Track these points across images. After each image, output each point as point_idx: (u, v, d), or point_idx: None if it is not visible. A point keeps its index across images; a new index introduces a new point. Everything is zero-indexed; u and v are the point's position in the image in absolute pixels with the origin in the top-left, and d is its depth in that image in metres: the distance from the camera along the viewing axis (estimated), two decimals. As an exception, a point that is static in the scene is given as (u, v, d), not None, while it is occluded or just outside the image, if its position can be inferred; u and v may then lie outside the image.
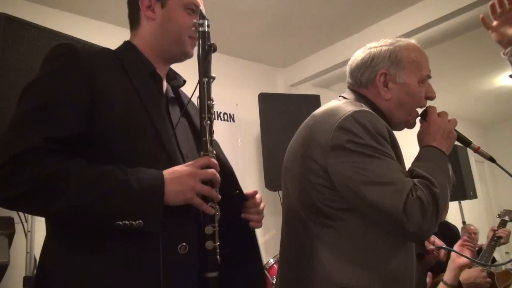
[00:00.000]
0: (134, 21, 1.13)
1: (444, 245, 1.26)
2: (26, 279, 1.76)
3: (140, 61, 1.07)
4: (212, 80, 1.01)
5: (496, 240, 2.37)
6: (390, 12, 3.30)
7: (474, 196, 5.02)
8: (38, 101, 0.90)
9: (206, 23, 1.01)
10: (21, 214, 1.78)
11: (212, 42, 1.01)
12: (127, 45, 1.11)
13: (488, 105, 5.93)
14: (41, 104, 0.89)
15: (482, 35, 3.46)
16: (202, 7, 1.11)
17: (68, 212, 0.85)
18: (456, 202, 4.91)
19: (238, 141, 3.55)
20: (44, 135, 0.86)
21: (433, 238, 1.29)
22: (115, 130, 0.93)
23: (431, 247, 1.25)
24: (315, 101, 3.49)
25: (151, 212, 0.87)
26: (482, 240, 2.75)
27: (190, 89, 1.10)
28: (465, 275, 2.09)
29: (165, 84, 1.15)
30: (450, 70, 4.62)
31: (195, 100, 1.10)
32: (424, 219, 0.97)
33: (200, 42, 1.01)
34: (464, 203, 4.98)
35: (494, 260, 2.29)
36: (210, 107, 0.99)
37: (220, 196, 0.97)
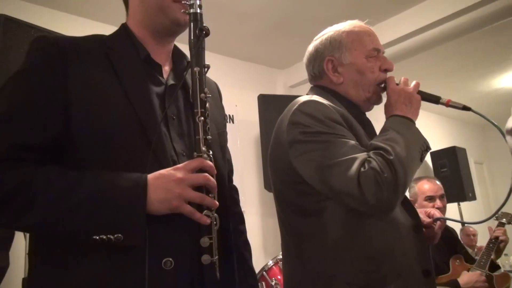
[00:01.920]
0: (125, 3, 1.05)
1: (441, 216, 1.24)
2: (25, 281, 1.76)
3: (132, 46, 0.97)
4: (206, 69, 0.90)
5: (494, 242, 2.37)
6: (389, 14, 3.31)
7: (473, 197, 5.03)
8: (5, 105, 0.83)
9: (197, 3, 0.90)
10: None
11: (204, 25, 0.90)
12: (121, 28, 1.02)
13: (486, 107, 5.93)
14: (8, 109, 0.82)
15: (480, 37, 3.52)
16: None
17: (37, 228, 0.80)
18: (455, 204, 4.93)
19: (238, 142, 3.55)
20: (9, 142, 0.79)
21: (433, 211, 1.26)
22: (91, 131, 0.83)
23: (428, 220, 1.22)
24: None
25: (132, 225, 0.78)
26: (482, 242, 2.75)
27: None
28: (464, 280, 2.10)
29: (167, 69, 1.02)
30: (449, 72, 4.63)
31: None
32: (379, 188, 0.96)
33: (192, 25, 0.90)
34: (463, 204, 5.00)
35: (492, 262, 2.28)
36: (204, 101, 0.87)
37: (217, 203, 0.85)
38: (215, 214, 0.85)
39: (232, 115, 3.60)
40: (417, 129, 1.13)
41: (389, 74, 1.26)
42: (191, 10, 0.90)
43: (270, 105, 3.41)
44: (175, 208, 0.81)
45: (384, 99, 1.26)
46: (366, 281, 1.03)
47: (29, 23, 1.79)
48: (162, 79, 0.98)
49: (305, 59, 1.33)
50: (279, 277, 2.23)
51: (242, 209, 1.21)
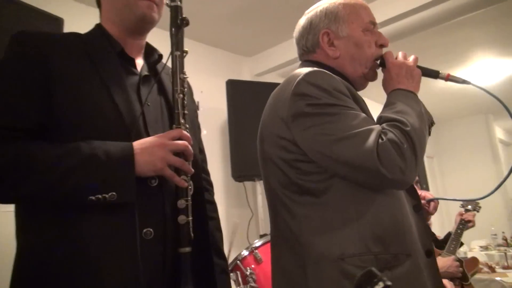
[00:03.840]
0: (97, 3, 1.11)
1: (434, 197, 1.25)
2: None
3: (107, 42, 1.03)
4: (185, 54, 1.00)
5: (462, 228, 2.43)
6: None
7: (427, 188, 5.30)
8: None
9: None
10: None
11: (184, 16, 1.00)
12: (96, 27, 1.08)
13: (442, 102, 6.20)
14: None
15: (438, 33, 3.62)
16: None
17: (36, 194, 0.84)
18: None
19: (203, 130, 3.41)
20: (1, 123, 0.85)
21: (423, 193, 1.26)
22: (73, 117, 0.90)
23: (422, 201, 1.19)
24: (283, 90, 3.44)
25: (123, 183, 0.85)
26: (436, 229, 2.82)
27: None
28: (439, 264, 2.12)
29: (140, 62, 1.10)
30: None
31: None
32: (402, 160, 0.92)
33: (173, 16, 1.00)
34: (419, 195, 5.23)
35: (461, 245, 2.34)
36: (183, 80, 0.98)
37: (193, 170, 0.96)
38: (190, 181, 0.95)
39: (198, 102, 3.43)
40: (422, 103, 1.10)
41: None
42: (172, 4, 1.01)
43: (238, 91, 3.30)
44: (159, 170, 0.90)
45: (379, 76, 1.21)
46: (376, 262, 0.96)
47: (28, 4, 1.77)
48: (136, 71, 1.06)
49: (296, 33, 1.26)
50: (253, 266, 2.15)
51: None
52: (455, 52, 4.49)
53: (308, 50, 1.22)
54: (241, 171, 3.12)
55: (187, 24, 1.00)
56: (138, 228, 0.88)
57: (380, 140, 0.93)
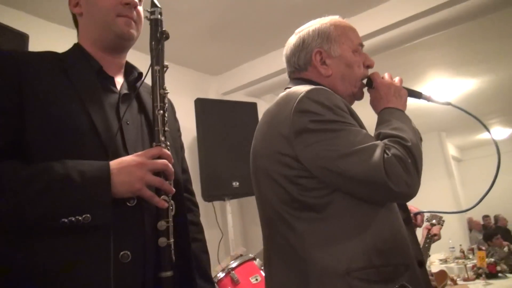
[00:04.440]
0: (75, 23, 1.09)
1: (420, 210, 1.28)
2: None
3: (85, 61, 1.01)
4: (165, 69, 0.98)
5: (431, 238, 2.51)
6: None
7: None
8: None
9: (158, 11, 0.99)
10: None
11: (164, 29, 0.98)
12: (74, 46, 1.06)
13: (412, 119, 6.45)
14: None
15: (396, 54, 3.79)
16: None
17: (5, 216, 0.80)
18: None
19: (171, 149, 3.34)
20: None
21: (410, 206, 1.28)
22: (48, 135, 0.87)
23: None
24: (252, 108, 3.45)
25: (99, 204, 0.82)
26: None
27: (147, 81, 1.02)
28: None
29: (120, 80, 1.07)
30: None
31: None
32: (407, 174, 0.96)
33: (153, 30, 0.99)
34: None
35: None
36: (163, 96, 0.96)
37: (174, 190, 0.92)
38: (171, 201, 0.92)
39: (165, 121, 3.39)
40: (411, 120, 1.14)
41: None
42: (152, 17, 0.99)
43: (207, 110, 3.27)
44: (137, 191, 0.86)
45: (365, 95, 1.25)
46: (378, 275, 0.97)
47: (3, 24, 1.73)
48: (115, 89, 1.03)
49: (286, 51, 1.29)
50: (229, 288, 2.10)
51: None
52: (412, 72, 4.72)
53: (299, 68, 1.24)
54: (210, 190, 3.07)
55: (167, 37, 0.98)
56: (114, 251, 0.84)
57: (385, 155, 0.96)
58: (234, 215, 3.46)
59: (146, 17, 1.01)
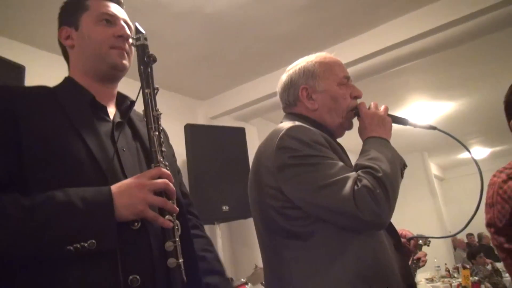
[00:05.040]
0: (65, 57, 1.11)
1: (414, 235, 1.29)
2: None
3: (77, 92, 1.02)
4: (156, 91, 0.99)
5: (416, 263, 2.56)
6: (308, 53, 3.51)
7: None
8: None
9: (143, 37, 1.00)
10: None
11: (151, 53, 0.99)
12: (65, 80, 1.07)
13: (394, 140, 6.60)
14: None
15: (379, 79, 3.94)
16: (124, 17, 1.11)
17: (9, 251, 0.79)
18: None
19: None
20: None
21: (404, 231, 1.32)
22: (48, 168, 0.86)
23: (402, 240, 1.26)
24: (241, 133, 3.51)
25: (103, 229, 0.81)
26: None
27: (139, 107, 1.06)
28: None
29: (112, 110, 1.08)
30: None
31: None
32: (376, 204, 1.00)
33: (140, 55, 0.99)
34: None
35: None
36: (156, 117, 0.96)
37: (177, 209, 0.91)
38: (177, 221, 0.91)
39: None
40: (394, 148, 1.18)
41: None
42: (137, 43, 1.00)
43: (197, 135, 3.32)
44: (140, 213, 0.85)
45: (355, 125, 1.31)
46: None
47: None
48: (108, 118, 1.04)
49: (278, 88, 1.38)
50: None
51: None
52: (394, 96, 4.89)
53: (290, 103, 1.34)
54: (200, 214, 3.08)
55: (154, 60, 0.98)
56: (123, 276, 0.83)
57: (355, 187, 1.01)
58: (224, 239, 3.48)
59: (132, 44, 1.04)
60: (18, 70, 1.87)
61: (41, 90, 1.00)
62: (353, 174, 1.06)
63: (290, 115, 1.32)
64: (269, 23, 2.97)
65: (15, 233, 0.78)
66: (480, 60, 4.12)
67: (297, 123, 1.18)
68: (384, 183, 1.03)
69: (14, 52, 2.13)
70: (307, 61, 1.33)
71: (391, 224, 1.20)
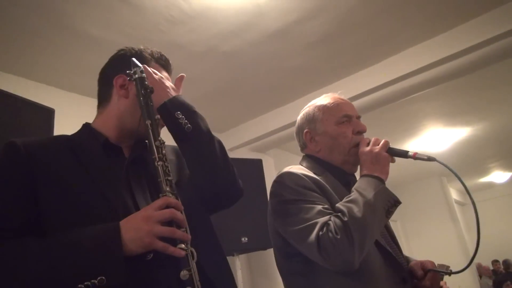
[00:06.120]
0: (104, 98, 1.12)
1: (435, 266, 1.26)
2: None
3: (91, 136, 1.06)
4: (157, 120, 1.00)
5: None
6: (322, 85, 3.61)
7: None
8: None
9: (139, 70, 1.02)
10: None
11: (147, 84, 1.01)
12: (82, 126, 1.11)
13: (402, 167, 6.57)
14: None
15: (394, 108, 3.99)
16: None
17: None
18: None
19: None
20: None
21: (425, 262, 1.29)
22: (65, 219, 0.90)
23: (420, 272, 1.25)
24: (258, 165, 3.57)
25: (111, 264, 0.81)
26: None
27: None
28: None
29: (127, 150, 1.10)
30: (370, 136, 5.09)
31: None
32: (335, 249, 1.04)
33: (138, 87, 1.00)
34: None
35: None
36: (159, 147, 0.95)
37: (189, 236, 0.89)
38: (191, 248, 0.88)
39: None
40: (382, 187, 1.17)
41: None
42: (136, 76, 1.02)
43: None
44: (148, 245, 0.84)
45: None
46: None
47: (9, 93, 1.81)
48: (123, 157, 1.05)
49: (295, 133, 1.50)
50: None
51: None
52: (409, 124, 4.91)
53: (302, 146, 1.46)
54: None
55: (151, 91, 1.01)
56: None
57: (320, 233, 1.08)
58: (244, 270, 3.48)
59: (129, 79, 1.04)
60: (48, 113, 1.96)
61: (61, 139, 1.05)
62: (323, 219, 1.11)
63: (304, 157, 1.44)
64: (282, 57, 3.09)
65: (26, 275, 0.81)
66: (494, 85, 4.15)
67: (290, 169, 1.29)
68: (349, 227, 1.06)
69: (44, 95, 2.25)
70: (310, 105, 1.44)
71: (394, 259, 1.21)
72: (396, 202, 1.17)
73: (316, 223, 1.09)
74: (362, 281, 1.12)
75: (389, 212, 1.15)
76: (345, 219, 1.07)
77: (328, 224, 1.08)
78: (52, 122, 1.98)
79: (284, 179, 1.25)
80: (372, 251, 1.16)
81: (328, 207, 1.16)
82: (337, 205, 1.14)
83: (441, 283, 2.56)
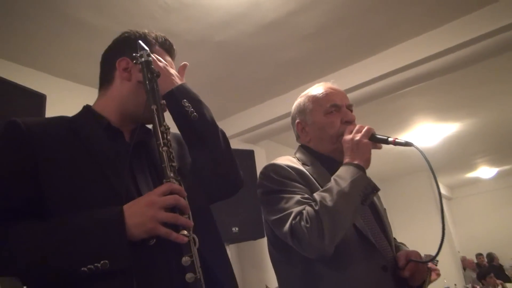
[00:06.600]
0: (106, 80, 1.10)
1: (422, 257, 1.28)
2: None
3: (93, 119, 1.04)
4: (163, 105, 0.98)
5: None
6: (315, 78, 3.61)
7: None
8: None
9: (145, 53, 0.99)
10: None
11: (153, 68, 0.98)
12: (83, 108, 1.09)
13: (391, 162, 6.64)
14: None
15: (385, 102, 4.01)
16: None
17: (26, 272, 0.83)
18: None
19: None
20: None
21: (411, 253, 1.30)
22: (67, 200, 0.89)
23: (402, 262, 1.25)
24: (250, 155, 3.57)
25: (115, 249, 0.82)
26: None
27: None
28: None
29: (128, 134, 1.09)
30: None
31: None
32: (306, 237, 1.09)
33: (145, 71, 0.97)
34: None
35: None
36: (164, 132, 0.93)
37: (192, 223, 0.89)
38: (193, 235, 0.88)
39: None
40: (359, 174, 1.17)
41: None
42: (142, 59, 0.98)
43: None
44: (151, 230, 0.85)
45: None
46: None
47: (11, 82, 1.82)
48: (124, 141, 1.04)
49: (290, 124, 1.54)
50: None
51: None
52: (399, 118, 4.95)
53: (296, 136, 1.51)
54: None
55: (158, 76, 0.98)
56: None
57: (293, 222, 1.12)
58: (234, 260, 3.51)
59: (135, 62, 1.00)
60: (39, 99, 1.94)
61: (58, 120, 1.03)
62: (298, 208, 1.15)
63: (299, 147, 1.48)
64: (276, 49, 3.08)
65: (31, 257, 0.82)
66: (485, 81, 4.19)
67: (277, 160, 1.35)
68: (320, 216, 1.09)
69: (35, 81, 2.22)
70: (300, 97, 1.48)
71: (374, 245, 1.22)
72: (374, 189, 1.18)
73: (290, 213, 1.14)
74: (339, 269, 1.16)
75: (365, 199, 1.16)
76: (317, 208, 1.11)
77: (302, 213, 1.12)
78: (44, 108, 1.96)
79: (269, 171, 1.30)
80: (352, 239, 1.19)
81: (309, 197, 1.19)
82: (314, 194, 1.18)
83: (434, 272, 2.59)
